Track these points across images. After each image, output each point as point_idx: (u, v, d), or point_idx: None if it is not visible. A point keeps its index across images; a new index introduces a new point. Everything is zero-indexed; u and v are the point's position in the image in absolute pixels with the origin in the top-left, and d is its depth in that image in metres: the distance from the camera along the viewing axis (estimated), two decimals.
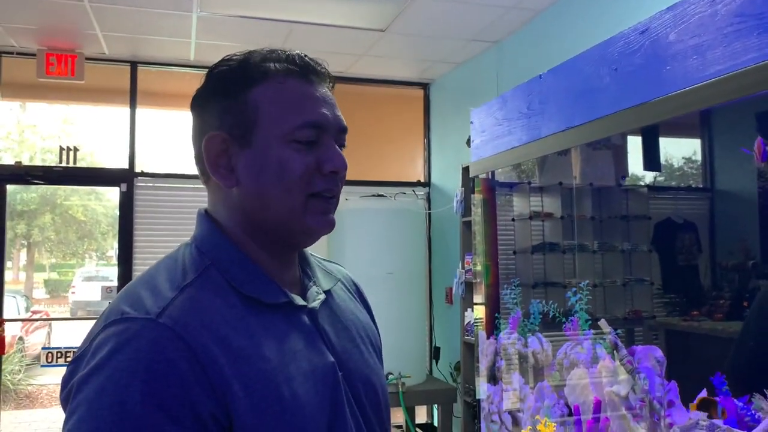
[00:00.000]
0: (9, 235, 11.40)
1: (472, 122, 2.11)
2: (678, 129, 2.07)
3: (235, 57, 0.90)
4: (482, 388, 2.05)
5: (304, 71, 0.88)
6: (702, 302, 1.97)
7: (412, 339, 4.19)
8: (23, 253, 14.19)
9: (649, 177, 2.28)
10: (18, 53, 4.26)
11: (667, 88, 1.25)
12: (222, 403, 0.75)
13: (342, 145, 0.91)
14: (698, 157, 2.20)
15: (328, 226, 0.90)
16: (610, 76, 1.42)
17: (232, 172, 0.87)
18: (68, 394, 0.75)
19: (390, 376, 3.95)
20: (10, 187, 4.41)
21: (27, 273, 14.13)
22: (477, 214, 2.35)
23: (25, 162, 4.30)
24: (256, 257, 0.88)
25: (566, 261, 2.33)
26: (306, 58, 0.90)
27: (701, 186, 2.27)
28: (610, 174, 2.26)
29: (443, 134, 5.04)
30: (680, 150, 2.20)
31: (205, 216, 0.91)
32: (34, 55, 4.16)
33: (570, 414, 1.61)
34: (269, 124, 0.86)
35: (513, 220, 2.48)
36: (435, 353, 4.73)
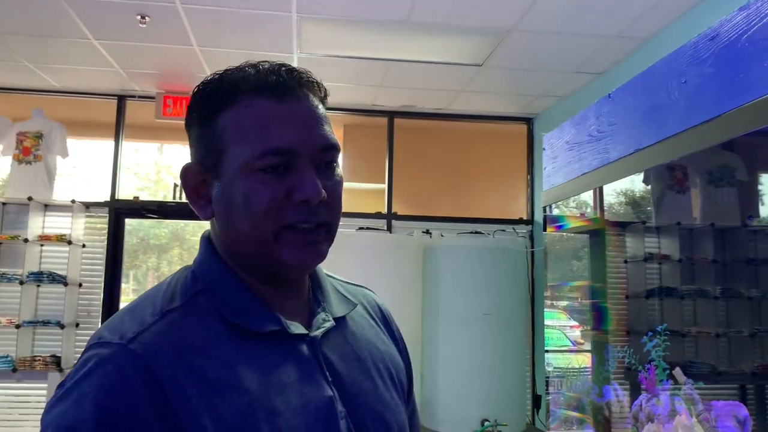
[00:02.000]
0: (143, 268, 12.32)
1: (544, 148, 1.98)
2: None
3: (211, 79, 0.84)
4: None
5: (273, 88, 0.80)
6: None
7: (509, 385, 3.97)
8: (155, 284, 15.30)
9: None
10: (139, 96, 4.62)
11: (742, 97, 1.08)
12: None
13: (329, 163, 0.82)
14: None
15: (310, 258, 0.81)
16: (678, 91, 1.26)
17: (210, 203, 0.83)
18: (43, 416, 0.74)
19: (486, 423, 3.76)
20: (144, 223, 4.73)
21: None
22: (557, 249, 2.19)
23: (145, 197, 4.59)
24: (251, 284, 0.83)
25: (685, 307, 2.12)
26: (281, 71, 0.81)
27: None
28: (735, 213, 2.05)
29: None
30: None
31: (206, 240, 0.87)
32: (152, 98, 4.50)
33: None
34: (233, 153, 0.79)
35: (626, 261, 2.30)
36: (536, 402, 4.45)
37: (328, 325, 0.86)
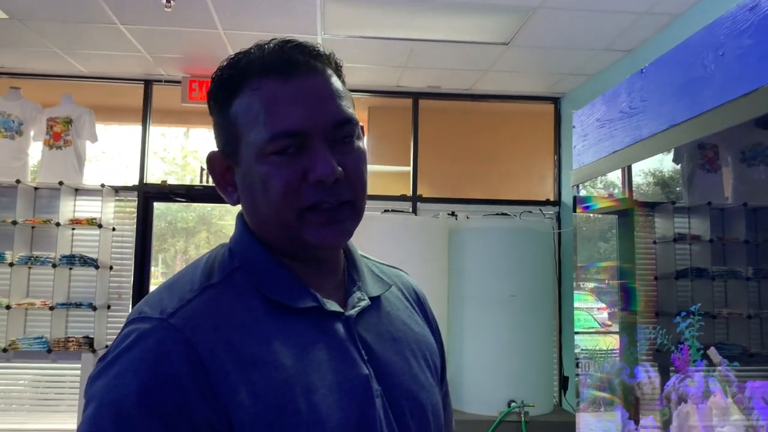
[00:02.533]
0: (171, 251, 12.49)
1: (574, 126, 1.94)
2: None
3: (223, 65, 0.83)
4: (583, 421, 1.85)
5: (279, 67, 0.78)
6: None
7: (537, 366, 3.95)
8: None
9: None
10: (165, 81, 4.65)
11: None
12: (223, 413, 0.70)
13: (347, 138, 0.80)
14: None
15: (334, 237, 0.80)
16: (715, 63, 1.22)
17: (236, 189, 0.84)
18: (86, 388, 0.75)
19: (512, 404, 3.76)
20: (172, 207, 4.79)
21: None
22: (579, 231, 2.16)
23: (171, 181, 4.64)
24: (286, 263, 0.83)
25: (716, 288, 2.09)
26: (287, 47, 0.80)
27: None
28: None
29: None
30: None
31: (241, 218, 0.87)
32: (178, 82, 4.52)
33: None
34: (247, 139, 0.79)
35: (654, 242, 2.26)
36: (563, 383, 4.44)
37: (363, 304, 0.86)
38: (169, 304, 0.75)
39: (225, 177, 0.84)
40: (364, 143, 0.86)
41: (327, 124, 0.78)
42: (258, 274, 0.81)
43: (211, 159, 0.85)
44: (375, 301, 0.89)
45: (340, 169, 0.78)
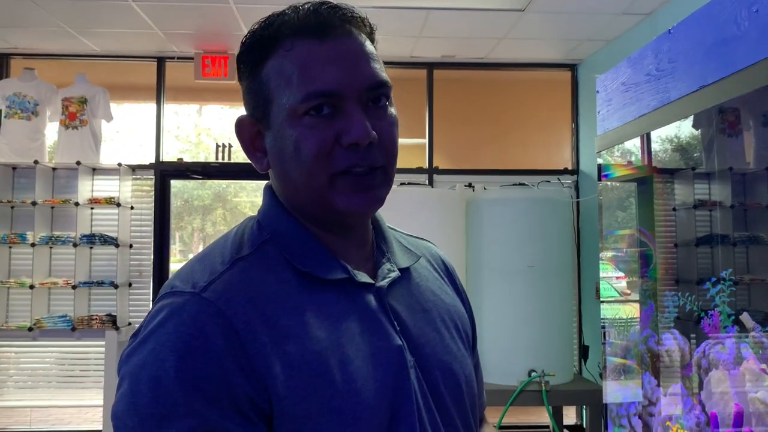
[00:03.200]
0: (188, 229, 12.59)
1: (598, 91, 1.89)
2: None
3: (255, 28, 0.81)
4: (609, 388, 1.84)
5: (314, 28, 0.76)
6: None
7: (557, 336, 3.94)
8: (201, 246, 15.79)
9: None
10: (178, 58, 4.62)
11: None
12: (261, 386, 0.69)
13: (380, 102, 0.79)
14: None
15: (366, 204, 0.79)
16: (749, 20, 1.17)
17: (266, 155, 0.82)
18: (120, 366, 0.75)
19: (533, 374, 3.76)
20: (188, 185, 4.79)
21: None
22: (606, 199, 2.12)
23: (186, 159, 4.64)
24: (316, 233, 0.82)
25: (738, 254, 2.05)
26: (322, 9, 0.78)
27: None
28: None
29: (594, 117, 4.70)
30: None
31: (269, 190, 0.86)
32: (191, 58, 4.50)
33: (707, 423, 1.38)
34: (278, 101, 0.77)
35: (674, 209, 2.23)
36: (584, 352, 4.44)
37: (393, 275, 0.85)
38: (201, 278, 0.74)
39: (254, 142, 0.83)
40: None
41: (362, 86, 0.77)
42: (288, 246, 0.80)
43: (240, 124, 0.83)
44: (404, 272, 0.88)
45: (374, 133, 0.76)
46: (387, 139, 0.79)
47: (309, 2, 0.79)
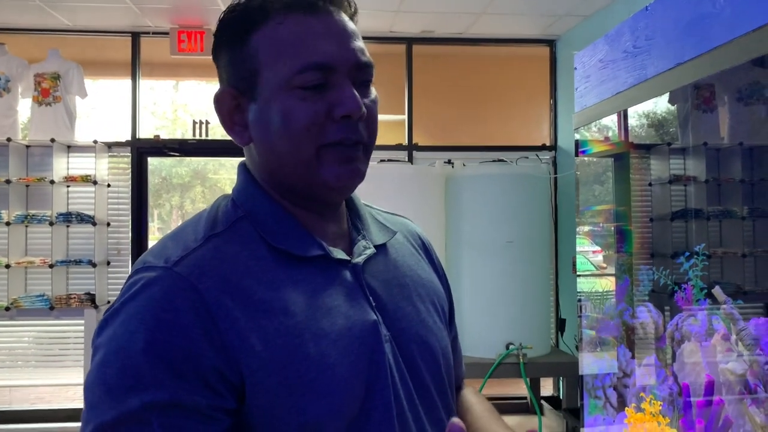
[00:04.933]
0: (166, 207, 12.46)
1: (575, 68, 1.91)
2: None
3: (235, 2, 0.81)
4: (585, 361, 1.88)
5: (306, 4, 0.78)
6: None
7: (534, 310, 4.01)
8: (179, 223, 15.67)
9: None
10: (153, 33, 4.54)
11: None
12: (232, 359, 0.70)
13: (365, 82, 0.81)
14: None
15: (351, 176, 0.80)
16: None
17: (246, 128, 0.82)
18: (93, 338, 0.76)
19: (511, 347, 3.83)
20: (165, 162, 4.74)
21: None
22: (583, 174, 2.15)
23: (163, 136, 4.58)
24: (291, 210, 0.83)
25: (711, 228, 2.09)
26: None
27: None
28: (765, 132, 1.98)
29: (572, 93, 4.72)
30: None
31: (243, 168, 0.87)
32: (166, 33, 4.42)
33: (679, 393, 1.43)
34: (269, 72, 0.78)
35: (650, 184, 2.26)
36: (560, 325, 4.51)
37: (369, 252, 0.86)
38: (173, 254, 0.75)
39: (233, 116, 0.83)
40: None
41: (352, 63, 0.78)
42: (263, 223, 0.80)
43: (220, 97, 0.83)
44: (380, 248, 0.89)
45: (364, 108, 0.78)
46: (371, 117, 0.81)
47: None
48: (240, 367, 0.70)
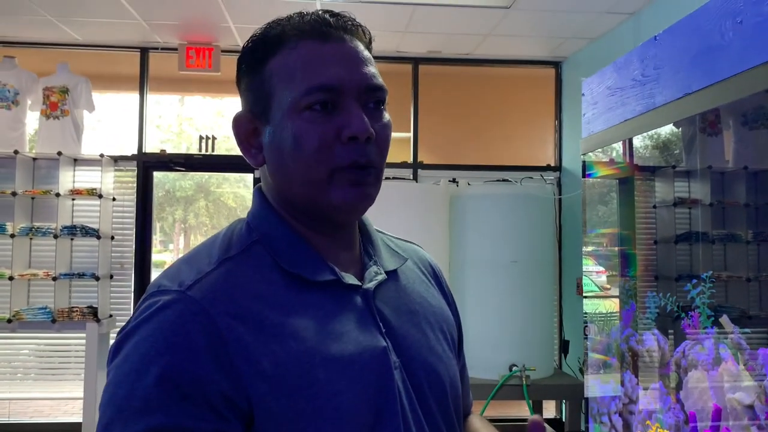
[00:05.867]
0: (169, 220, 12.48)
1: (583, 94, 1.92)
2: None
3: (258, 31, 0.85)
4: (591, 385, 1.87)
5: (318, 30, 0.81)
6: None
7: (538, 331, 4.00)
8: (182, 237, 15.65)
9: None
10: (162, 48, 4.58)
11: None
12: (241, 384, 0.70)
13: (377, 105, 0.82)
14: None
15: (359, 199, 0.81)
16: (733, 31, 1.20)
17: (261, 150, 0.84)
18: (108, 360, 0.76)
19: (514, 368, 3.81)
20: (169, 175, 4.75)
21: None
22: (587, 196, 2.15)
23: (168, 149, 4.60)
24: (305, 235, 0.84)
25: (716, 252, 2.09)
26: (325, 15, 0.82)
27: None
28: None
29: (577, 115, 4.75)
30: None
31: (258, 192, 0.88)
32: (175, 49, 4.46)
33: (686, 421, 1.42)
34: (280, 95, 0.80)
35: (654, 206, 2.26)
36: (564, 347, 4.50)
37: (380, 278, 0.86)
38: (187, 277, 0.76)
39: (249, 139, 0.85)
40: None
41: (361, 86, 0.80)
42: (276, 247, 0.81)
43: (237, 120, 0.86)
44: (391, 275, 0.89)
45: (372, 129, 0.80)
46: (382, 140, 0.82)
47: (315, 10, 0.84)
48: (249, 392, 0.70)
